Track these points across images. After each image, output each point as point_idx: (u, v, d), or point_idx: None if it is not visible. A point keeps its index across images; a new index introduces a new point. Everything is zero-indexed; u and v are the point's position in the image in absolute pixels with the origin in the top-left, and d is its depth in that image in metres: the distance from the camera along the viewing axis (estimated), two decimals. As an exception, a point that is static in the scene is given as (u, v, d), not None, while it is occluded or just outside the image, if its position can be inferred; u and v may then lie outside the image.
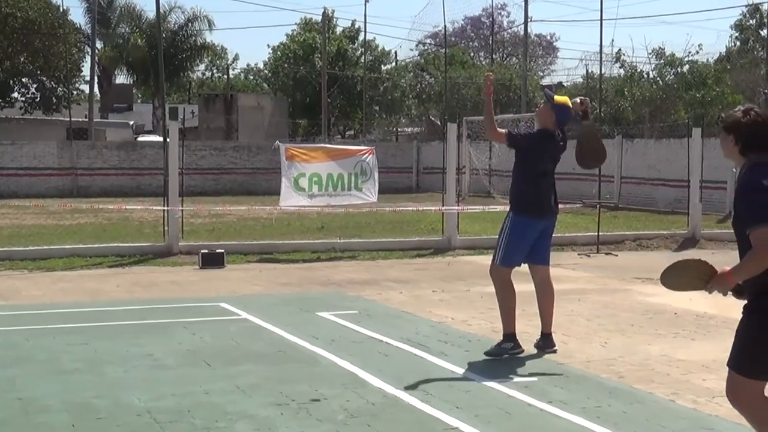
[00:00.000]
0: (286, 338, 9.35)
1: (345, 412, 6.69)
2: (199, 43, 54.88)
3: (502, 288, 8.76)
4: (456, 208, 18.38)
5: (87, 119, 44.44)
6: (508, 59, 59.85)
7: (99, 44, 51.33)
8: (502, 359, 8.44)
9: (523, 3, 41.88)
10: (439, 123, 46.72)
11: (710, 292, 4.94)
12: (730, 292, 4.91)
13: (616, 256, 16.94)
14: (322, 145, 18.18)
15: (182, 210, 17.47)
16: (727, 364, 5.02)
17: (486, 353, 8.51)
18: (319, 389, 7.32)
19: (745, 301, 4.93)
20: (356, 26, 56.16)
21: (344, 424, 6.42)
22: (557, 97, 9.10)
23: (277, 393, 7.21)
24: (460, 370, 7.98)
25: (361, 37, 54.43)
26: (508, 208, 9.15)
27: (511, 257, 8.76)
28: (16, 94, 47.55)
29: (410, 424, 6.43)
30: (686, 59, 37.92)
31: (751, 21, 37.23)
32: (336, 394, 7.19)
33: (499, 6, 58.66)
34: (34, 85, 47.07)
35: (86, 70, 51.36)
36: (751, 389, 4.94)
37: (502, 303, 8.74)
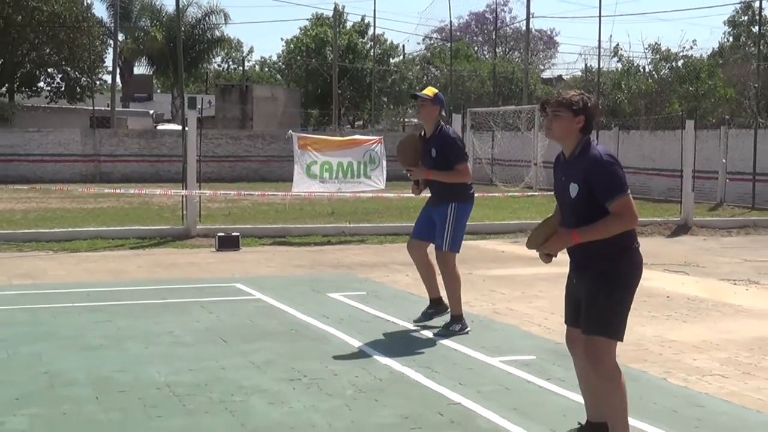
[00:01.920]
0: (298, 317, 9.39)
1: (354, 388, 6.73)
2: (215, 36, 54.84)
3: (452, 273, 8.71)
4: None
5: (109, 108, 44.50)
6: (510, 53, 59.72)
7: (121, 37, 51.39)
8: (503, 339, 8.46)
9: (525, 0, 41.73)
10: (444, 114, 46.59)
11: (546, 248, 5.22)
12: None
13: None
14: (333, 137, 18.18)
15: (200, 195, 17.50)
16: (587, 332, 5.14)
17: (435, 335, 8.57)
18: (330, 365, 7.36)
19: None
20: (366, 21, 56.15)
21: (353, 399, 6.45)
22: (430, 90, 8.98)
23: (289, 369, 7.24)
24: (462, 349, 8.00)
25: (370, 32, 54.37)
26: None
27: (458, 243, 8.74)
28: (42, 84, 47.57)
29: (415, 399, 6.46)
30: (681, 54, 37.75)
31: (743, 18, 37.09)
32: (345, 370, 7.23)
33: (503, 2, 58.55)
34: (59, 76, 47.03)
35: (108, 61, 51.43)
36: (613, 349, 5.16)
37: (453, 287, 8.68)
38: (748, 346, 8.21)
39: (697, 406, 6.37)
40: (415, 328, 8.89)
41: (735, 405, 6.39)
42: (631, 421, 5.95)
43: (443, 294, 8.87)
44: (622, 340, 5.18)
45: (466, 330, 8.63)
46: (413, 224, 9.30)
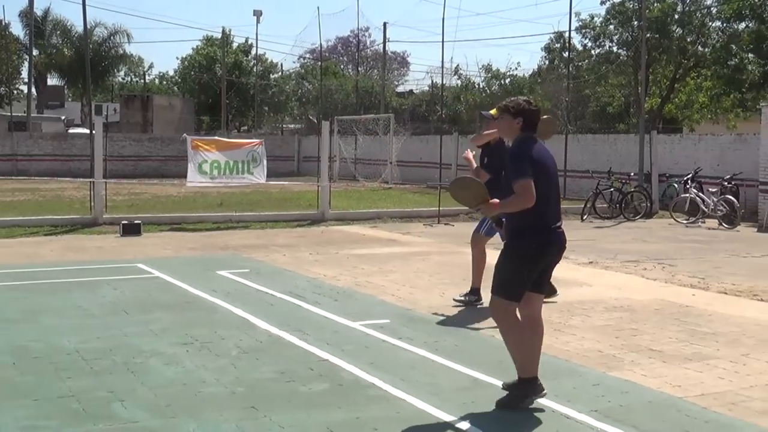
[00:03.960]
0: (191, 291, 9.23)
1: (238, 349, 6.67)
2: (119, 53, 53.30)
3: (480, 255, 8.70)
4: (327, 183, 18.40)
5: (26, 114, 42.69)
6: (370, 71, 59.90)
7: (35, 52, 49.29)
8: (363, 306, 8.50)
9: (382, 27, 41.93)
10: (315, 121, 46.50)
11: (482, 214, 5.58)
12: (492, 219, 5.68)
13: (453, 225, 17.22)
14: (221, 138, 17.97)
15: (106, 187, 17.00)
16: (492, 292, 5.30)
17: (454, 299, 8.56)
18: (218, 331, 7.27)
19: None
20: (249, 42, 55.40)
21: (237, 359, 6.39)
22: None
23: (183, 335, 7.12)
24: (330, 315, 8.02)
25: (253, 51, 53.76)
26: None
27: (493, 231, 8.49)
28: (-35, 93, 45.41)
29: (290, 358, 6.44)
30: (508, 74, 38.73)
31: (556, 44, 38.17)
32: (231, 335, 7.15)
33: (364, 29, 58.55)
34: (-20, 86, 45.03)
35: (25, 73, 49.30)
36: (510, 309, 5.24)
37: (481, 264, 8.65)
38: (558, 308, 8.47)
39: (518, 357, 6.53)
40: (293, 299, 8.85)
41: (548, 355, 6.58)
42: (467, 371, 6.09)
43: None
44: (517, 301, 5.22)
45: (479, 302, 8.40)
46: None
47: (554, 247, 5.29)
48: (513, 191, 5.15)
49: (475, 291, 8.63)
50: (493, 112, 8.85)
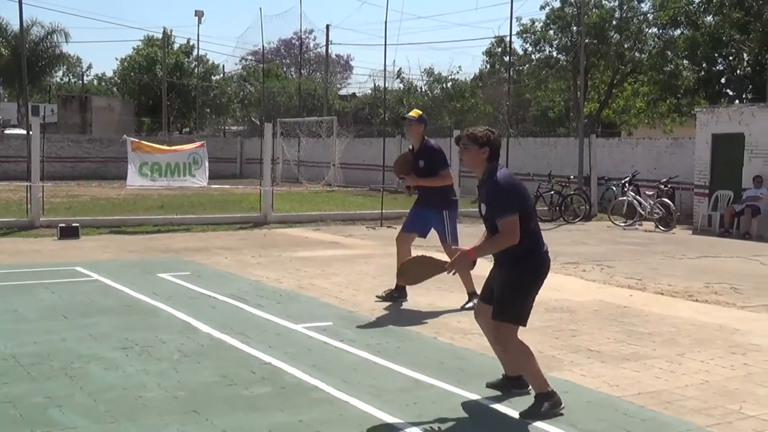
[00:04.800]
0: (131, 295, 9.10)
1: (179, 353, 6.60)
2: (57, 53, 52.25)
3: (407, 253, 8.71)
4: (269, 186, 18.31)
5: (-41, 114, 41.66)
6: (313, 74, 59.78)
7: (-31, 51, 48.08)
8: (306, 309, 8.48)
9: (325, 29, 41.89)
10: (258, 123, 46.26)
11: (451, 273, 5.30)
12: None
13: (395, 228, 17.24)
14: (161, 146, 17.77)
15: (43, 190, 16.67)
16: (500, 319, 5.20)
17: (461, 307, 8.56)
18: (159, 335, 7.18)
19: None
20: (191, 43, 54.83)
21: (179, 362, 6.33)
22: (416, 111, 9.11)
23: (123, 339, 7.02)
24: (272, 318, 7.98)
25: (195, 53, 53.23)
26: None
27: (457, 236, 8.72)
28: None
29: (232, 360, 6.40)
30: (449, 77, 39.01)
31: (497, 49, 38.57)
32: (172, 338, 7.07)
33: (307, 31, 58.45)
34: None
35: (-42, 72, 48.05)
36: (514, 331, 5.22)
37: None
38: (500, 309, 8.55)
39: (460, 358, 6.61)
40: (235, 302, 8.79)
41: (489, 357, 6.64)
42: (409, 372, 6.12)
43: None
44: (524, 325, 5.25)
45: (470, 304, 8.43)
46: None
47: (548, 269, 5.33)
48: (494, 225, 5.09)
49: (471, 295, 8.64)
50: (413, 114, 9.07)
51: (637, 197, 18.93)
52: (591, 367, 6.37)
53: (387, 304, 8.74)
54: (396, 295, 8.86)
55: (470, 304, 8.48)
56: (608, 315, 8.39)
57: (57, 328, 7.43)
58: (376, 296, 8.98)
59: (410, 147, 9.06)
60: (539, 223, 5.54)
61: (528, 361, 5.24)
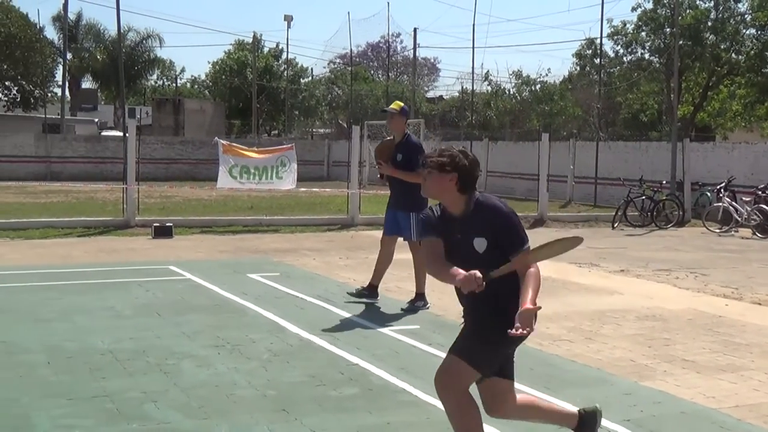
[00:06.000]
0: (221, 294, 9.29)
1: (269, 352, 6.70)
2: (151, 57, 53.90)
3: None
4: (356, 188, 18.43)
5: (59, 116, 43.19)
6: (400, 76, 59.98)
7: (69, 55, 49.92)
8: (394, 312, 8.51)
9: (412, 33, 41.98)
10: (345, 126, 46.65)
11: (521, 330, 3.73)
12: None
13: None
14: (251, 150, 18.06)
15: (138, 190, 17.16)
16: (459, 356, 4.08)
17: (402, 309, 8.56)
18: (249, 334, 7.31)
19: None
20: (280, 47, 55.68)
21: (269, 361, 6.42)
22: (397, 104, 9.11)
23: (215, 337, 7.17)
24: (359, 320, 8.04)
25: (284, 56, 54.02)
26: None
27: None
28: (0, 95, 46.16)
29: (321, 361, 6.46)
30: (538, 80, 38.58)
31: (588, 51, 37.98)
32: (262, 338, 7.19)
33: (394, 35, 58.68)
34: (15, 88, 45.67)
35: (59, 76, 50.00)
36: (472, 380, 4.14)
37: (422, 269, 8.65)
38: (589, 316, 8.44)
39: (549, 365, 6.53)
40: (323, 303, 8.88)
41: (579, 364, 6.57)
42: (497, 378, 6.07)
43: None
44: (483, 374, 4.14)
45: (427, 306, 8.59)
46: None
47: None
48: (497, 262, 3.91)
49: (420, 296, 8.71)
50: (394, 105, 9.03)
51: (733, 203, 18.37)
52: (685, 378, 6.20)
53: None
54: (366, 293, 8.93)
55: (420, 304, 8.59)
56: (703, 324, 8.17)
57: (152, 324, 7.64)
58: (347, 293, 9.08)
59: (392, 138, 9.03)
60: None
61: (466, 415, 4.12)
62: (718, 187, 19.38)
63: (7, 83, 45.66)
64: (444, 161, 4.09)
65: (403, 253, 9.16)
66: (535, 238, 4.50)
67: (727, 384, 6.06)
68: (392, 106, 9.05)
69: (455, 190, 4.09)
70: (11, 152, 33.59)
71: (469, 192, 4.11)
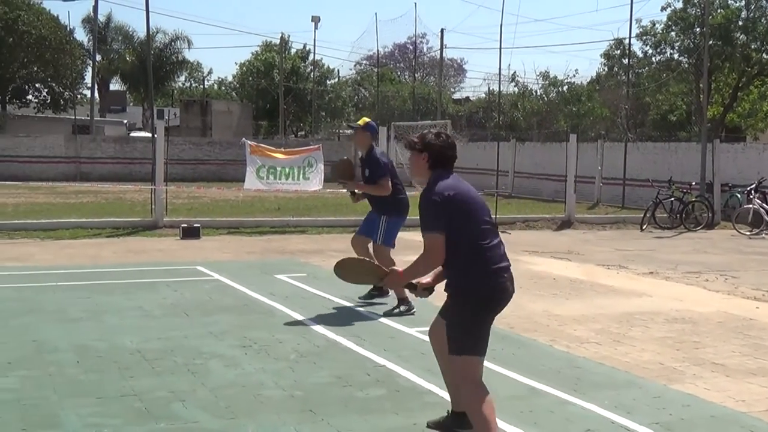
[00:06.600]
0: (249, 295, 9.33)
1: (296, 353, 6.72)
2: (179, 59, 54.33)
3: (388, 263, 8.67)
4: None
5: (89, 118, 43.64)
6: (427, 78, 59.93)
7: (98, 57, 50.45)
8: (419, 312, 8.48)
9: (439, 33, 41.92)
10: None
11: (386, 287, 4.70)
12: (409, 289, 4.71)
13: (509, 233, 17.10)
14: (278, 151, 18.08)
15: (166, 191, 17.29)
16: (453, 353, 4.40)
17: (384, 313, 8.39)
18: (276, 335, 7.34)
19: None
20: (307, 48, 55.79)
21: (296, 362, 6.45)
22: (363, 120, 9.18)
23: (242, 337, 7.21)
24: (386, 321, 8.04)
25: (311, 57, 54.17)
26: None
27: (390, 240, 8.94)
28: (30, 97, 46.73)
29: (347, 362, 6.47)
30: (566, 81, 38.36)
31: (616, 51, 37.71)
32: (289, 338, 7.21)
33: (421, 35, 58.59)
34: (45, 90, 46.20)
35: (88, 78, 50.46)
36: (479, 366, 4.40)
37: None
38: (617, 319, 8.39)
39: (577, 367, 6.49)
40: (349, 304, 8.90)
41: (607, 366, 6.53)
42: (524, 380, 6.05)
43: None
44: (483, 354, 4.42)
45: (412, 311, 8.41)
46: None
47: (504, 294, 4.48)
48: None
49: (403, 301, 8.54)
50: (360, 122, 9.12)
51: (764, 205, 18.16)
52: (715, 381, 6.14)
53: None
54: (376, 293, 8.97)
55: (397, 311, 8.39)
56: (733, 327, 8.09)
57: (179, 324, 7.69)
58: (359, 297, 9.04)
59: (360, 155, 9.16)
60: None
61: (481, 403, 4.31)
62: (748, 188, 19.17)
63: (37, 85, 46.23)
64: (414, 141, 4.57)
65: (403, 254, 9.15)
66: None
67: (757, 388, 5.99)
68: (359, 122, 9.27)
69: (426, 168, 4.50)
70: (42, 153, 33.96)
71: (437, 171, 4.46)
